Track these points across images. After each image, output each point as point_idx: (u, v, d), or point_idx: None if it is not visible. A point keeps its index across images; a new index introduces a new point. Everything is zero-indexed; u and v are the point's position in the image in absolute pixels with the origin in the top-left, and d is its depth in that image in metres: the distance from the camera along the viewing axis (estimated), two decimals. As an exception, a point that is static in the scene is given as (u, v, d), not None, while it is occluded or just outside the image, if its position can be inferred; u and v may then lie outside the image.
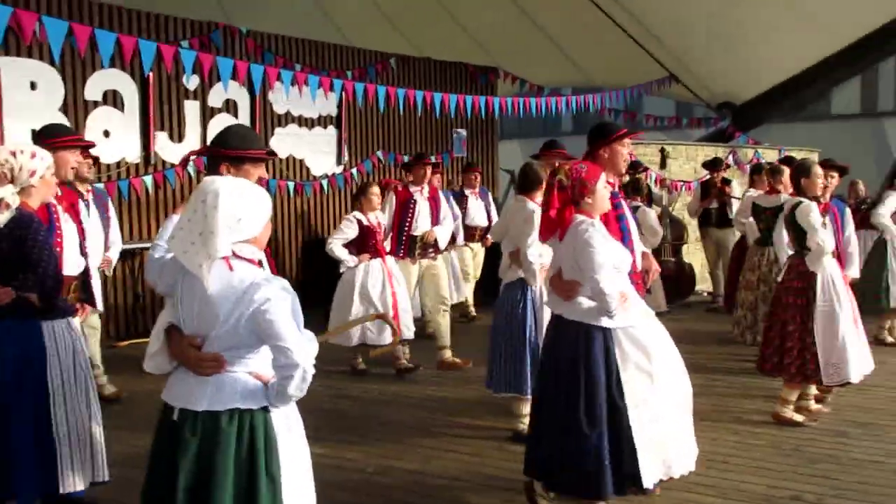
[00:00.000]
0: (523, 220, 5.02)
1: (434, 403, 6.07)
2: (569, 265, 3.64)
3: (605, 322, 3.56)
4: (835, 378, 5.39)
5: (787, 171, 6.49)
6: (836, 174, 6.24)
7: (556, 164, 3.77)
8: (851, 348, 5.32)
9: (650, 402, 3.60)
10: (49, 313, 3.31)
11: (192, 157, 6.02)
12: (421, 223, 7.13)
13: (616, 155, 4.05)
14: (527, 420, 5.12)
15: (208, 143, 8.78)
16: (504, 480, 4.46)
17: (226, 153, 2.91)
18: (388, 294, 6.58)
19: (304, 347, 2.46)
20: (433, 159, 8.23)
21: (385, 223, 6.94)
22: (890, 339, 7.83)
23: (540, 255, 4.99)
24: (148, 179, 8.44)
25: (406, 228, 7.09)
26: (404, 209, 7.08)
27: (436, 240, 7.18)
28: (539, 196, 5.11)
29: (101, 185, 7.43)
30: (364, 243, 6.64)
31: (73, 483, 3.31)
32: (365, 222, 6.64)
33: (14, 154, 3.25)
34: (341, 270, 6.68)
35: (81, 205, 5.81)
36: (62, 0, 7.77)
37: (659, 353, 3.73)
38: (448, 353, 7.09)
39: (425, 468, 4.70)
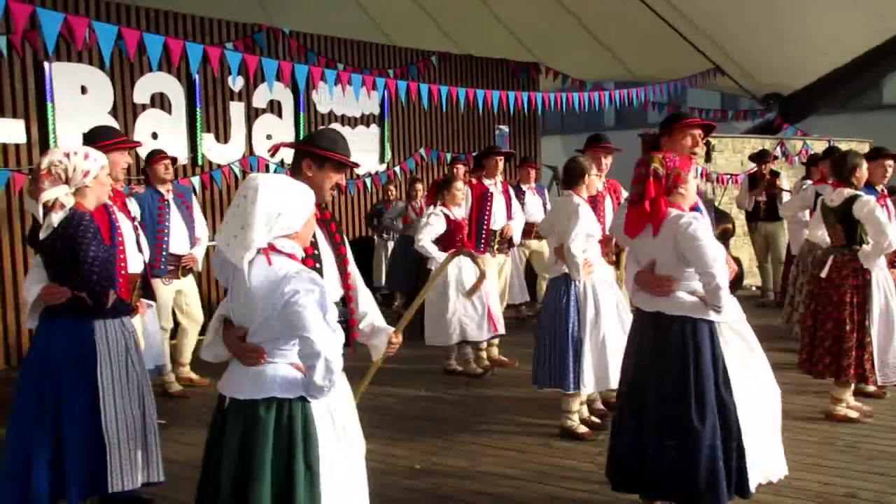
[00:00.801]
0: (567, 215, 4.99)
1: (480, 401, 6.07)
2: (664, 260, 3.50)
3: (712, 316, 3.45)
4: (891, 377, 5.30)
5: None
6: (892, 162, 6.05)
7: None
8: None
9: (753, 399, 3.51)
10: (100, 312, 3.35)
11: (272, 152, 6.12)
12: (498, 217, 7.03)
13: (676, 144, 3.91)
14: (575, 417, 5.11)
15: (253, 143, 8.99)
16: (552, 477, 4.46)
17: (312, 150, 2.94)
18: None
19: (328, 338, 2.48)
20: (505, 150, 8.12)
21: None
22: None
23: (584, 249, 4.97)
24: (195, 180, 8.54)
25: (485, 222, 6.96)
26: (481, 203, 6.93)
27: (511, 236, 7.08)
28: (583, 190, 5.10)
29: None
30: (451, 238, 6.44)
31: (123, 483, 3.34)
32: (451, 217, 6.50)
33: (68, 155, 3.29)
34: (430, 267, 6.38)
35: (171, 202, 5.99)
36: (111, 5, 7.93)
37: (758, 349, 3.67)
38: (495, 351, 7.08)
39: (472, 465, 4.71)
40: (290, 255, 2.58)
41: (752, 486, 3.47)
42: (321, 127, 3.32)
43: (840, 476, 4.33)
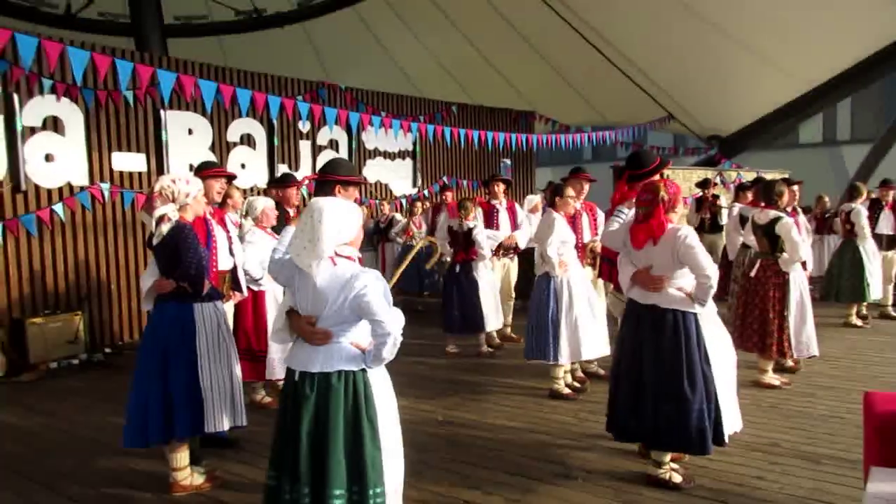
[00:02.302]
0: (547, 226, 4.99)
1: (489, 368, 6.04)
2: (661, 263, 3.39)
3: (697, 308, 3.38)
4: (804, 353, 5.24)
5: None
6: (797, 188, 6.02)
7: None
8: (812, 330, 5.18)
9: (722, 370, 3.45)
10: (198, 297, 3.38)
11: (308, 181, 6.14)
12: (503, 228, 6.88)
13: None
14: (561, 382, 5.07)
15: (316, 170, 9.02)
16: (543, 428, 4.43)
17: (340, 178, 3.00)
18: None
19: (394, 320, 2.50)
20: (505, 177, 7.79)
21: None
22: (858, 322, 7.49)
23: (561, 253, 4.95)
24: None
25: None
26: (489, 218, 6.80)
27: (516, 243, 6.93)
28: (561, 208, 5.06)
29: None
30: (458, 243, 6.43)
31: (215, 425, 3.38)
32: (454, 228, 6.46)
33: (174, 181, 3.34)
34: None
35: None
36: (212, 67, 7.99)
37: (724, 331, 3.61)
38: (508, 330, 7.02)
39: (481, 417, 4.68)
40: (349, 258, 2.59)
41: (726, 437, 3.42)
42: (335, 157, 3.36)
43: (766, 430, 4.25)
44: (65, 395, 5.57)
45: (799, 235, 5.17)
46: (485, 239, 6.33)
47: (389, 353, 2.50)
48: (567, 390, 5.06)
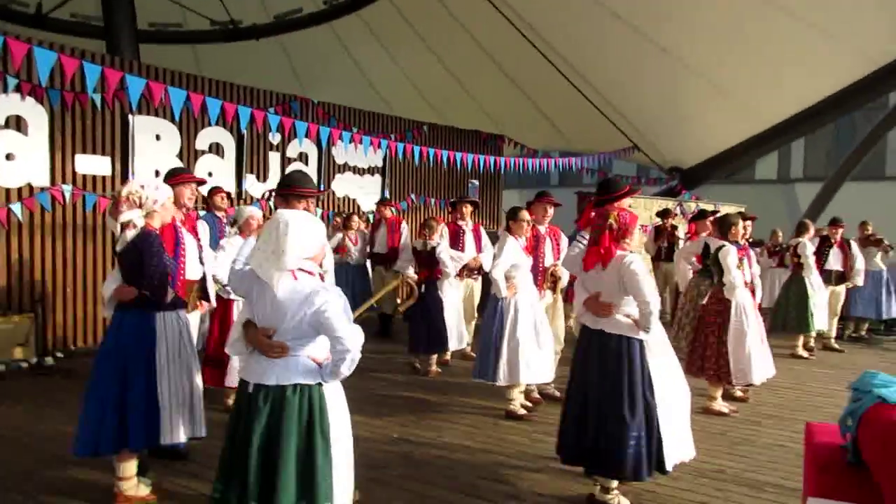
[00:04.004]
0: (497, 248, 5.02)
1: (447, 387, 6.00)
2: (608, 290, 3.43)
3: (642, 335, 3.41)
4: (741, 380, 5.34)
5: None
6: (751, 223, 6.19)
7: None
8: (755, 358, 5.27)
9: (668, 398, 3.46)
10: (160, 306, 3.30)
11: (271, 193, 6.10)
12: (468, 250, 6.85)
13: (621, 205, 3.82)
14: (516, 402, 5.07)
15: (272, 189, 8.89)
16: (497, 448, 4.41)
17: (302, 191, 2.98)
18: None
19: (353, 337, 2.48)
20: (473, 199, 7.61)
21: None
22: (804, 354, 7.68)
23: (513, 276, 4.96)
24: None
25: None
26: (455, 239, 6.79)
27: (481, 264, 6.91)
28: (516, 231, 5.08)
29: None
30: (423, 263, 6.41)
31: (172, 437, 3.29)
32: (417, 249, 6.48)
33: (143, 186, 3.28)
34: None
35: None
36: (183, 75, 7.89)
37: (673, 360, 3.63)
38: (468, 349, 7.01)
39: (437, 436, 4.65)
40: (310, 273, 2.56)
41: (670, 465, 3.43)
42: (293, 170, 3.28)
43: (712, 456, 4.31)
44: (11, 399, 5.35)
45: (735, 263, 5.27)
46: (448, 258, 6.32)
47: (347, 369, 2.48)
48: (522, 411, 5.06)
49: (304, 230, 2.52)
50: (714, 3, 9.47)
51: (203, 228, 5.66)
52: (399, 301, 6.54)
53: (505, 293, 4.93)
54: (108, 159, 7.28)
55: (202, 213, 7.58)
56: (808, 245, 7.59)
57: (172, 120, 7.63)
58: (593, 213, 3.73)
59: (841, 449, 2.44)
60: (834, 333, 8.19)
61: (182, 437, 3.35)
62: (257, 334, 2.53)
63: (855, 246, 8.29)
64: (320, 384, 2.55)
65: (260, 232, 2.70)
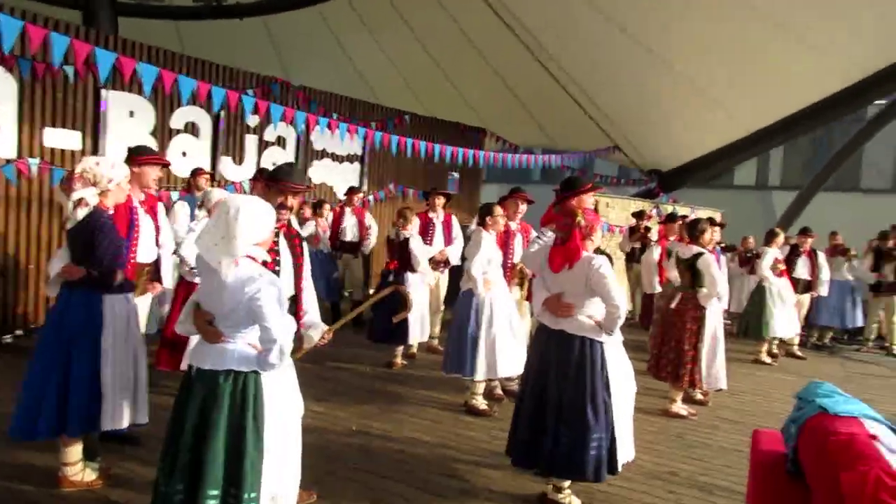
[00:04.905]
0: (474, 244, 5.00)
1: (411, 380, 5.99)
2: (573, 290, 3.39)
3: (603, 338, 3.40)
4: (713, 385, 5.41)
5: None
6: (720, 229, 6.26)
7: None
8: (722, 364, 5.33)
9: (621, 398, 3.48)
10: (107, 288, 3.22)
11: (254, 180, 6.01)
12: (436, 242, 6.85)
13: (581, 203, 3.82)
14: (479, 397, 5.07)
15: (261, 167, 8.80)
16: (456, 444, 4.42)
17: (292, 187, 2.92)
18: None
19: (283, 328, 2.47)
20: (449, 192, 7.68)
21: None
22: (767, 360, 7.78)
23: (485, 272, 4.96)
24: (213, 191, 8.31)
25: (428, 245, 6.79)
26: (425, 230, 6.77)
27: (447, 258, 6.91)
28: (490, 227, 5.08)
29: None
30: (396, 254, 6.34)
31: (114, 422, 3.23)
32: (391, 238, 6.43)
33: (98, 164, 3.20)
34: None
35: None
36: (160, 51, 7.74)
37: (626, 361, 3.64)
38: (435, 342, 6.99)
39: (396, 429, 4.64)
40: (254, 259, 2.52)
41: (620, 465, 3.44)
42: (285, 163, 3.16)
43: (668, 458, 4.36)
44: (-35, 375, 5.25)
45: (718, 272, 5.35)
46: (422, 252, 6.28)
47: (276, 359, 2.46)
48: (483, 405, 5.07)
49: (256, 216, 2.48)
50: (703, 9, 9.49)
51: (183, 209, 5.63)
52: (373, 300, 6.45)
53: (482, 289, 4.92)
54: (78, 134, 7.12)
55: (175, 194, 7.52)
56: (768, 254, 7.67)
57: (148, 97, 7.48)
58: (556, 211, 3.72)
59: (783, 457, 2.46)
60: (797, 341, 8.30)
61: (124, 423, 3.29)
62: (197, 317, 2.51)
63: (822, 256, 8.40)
64: (257, 372, 2.51)
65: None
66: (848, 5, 8.71)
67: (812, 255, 8.29)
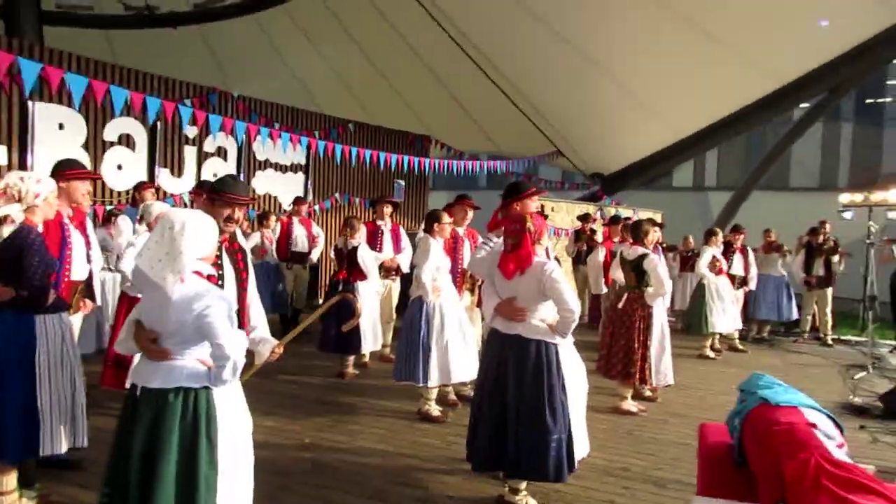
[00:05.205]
0: (422, 252, 5.00)
1: (363, 389, 5.92)
2: (526, 295, 3.40)
3: (558, 340, 3.43)
4: (662, 381, 5.54)
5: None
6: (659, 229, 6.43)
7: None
8: (669, 360, 5.49)
9: (574, 396, 3.49)
10: (39, 308, 3.08)
11: (196, 193, 5.86)
12: (385, 250, 6.79)
13: (526, 207, 3.89)
14: (432, 403, 5.06)
15: (202, 178, 8.58)
16: (412, 451, 4.39)
17: (234, 199, 2.85)
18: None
19: (235, 343, 2.41)
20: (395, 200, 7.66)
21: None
22: (711, 354, 8.03)
23: (434, 279, 4.97)
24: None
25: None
26: (373, 238, 6.71)
27: (398, 265, 6.88)
28: (437, 234, 5.09)
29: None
30: (344, 263, 6.30)
31: (52, 447, 3.08)
32: (339, 247, 6.37)
33: (22, 179, 3.05)
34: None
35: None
36: (91, 61, 7.48)
37: (578, 359, 3.66)
38: (387, 350, 6.94)
39: (350, 440, 4.57)
40: (199, 273, 2.45)
41: (576, 462, 3.49)
42: (226, 175, 3.08)
43: (620, 455, 4.44)
44: None
45: (665, 272, 5.50)
46: (371, 260, 6.24)
47: (230, 375, 2.40)
48: (437, 412, 5.06)
49: (200, 231, 2.42)
50: (637, 17, 9.79)
51: (126, 223, 5.45)
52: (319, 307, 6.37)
53: (431, 296, 4.92)
54: (3, 148, 6.81)
55: (108, 207, 7.24)
56: (706, 253, 7.95)
57: (77, 109, 7.21)
58: (501, 216, 3.75)
59: (729, 448, 2.54)
60: (737, 335, 8.61)
61: (63, 447, 3.14)
62: (140, 334, 2.42)
63: (751, 253, 8.78)
64: (208, 388, 2.45)
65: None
66: (773, 14, 9.14)
67: (744, 251, 8.63)
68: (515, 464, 3.40)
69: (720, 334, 8.25)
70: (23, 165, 6.85)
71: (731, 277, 8.34)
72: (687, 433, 4.95)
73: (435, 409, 5.07)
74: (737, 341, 8.60)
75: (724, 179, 19.95)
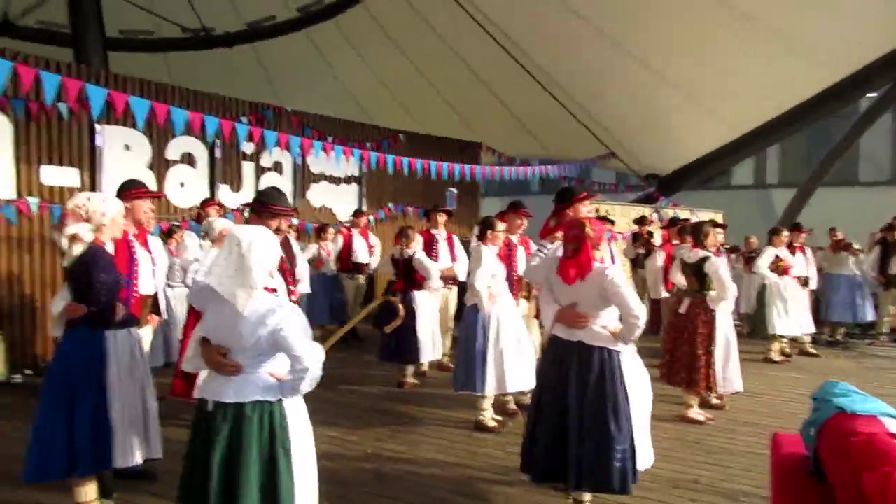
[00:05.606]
0: (475, 260, 5.00)
1: (422, 399, 5.95)
2: (587, 301, 3.36)
3: (620, 346, 3.38)
4: (728, 389, 5.38)
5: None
6: (722, 231, 6.28)
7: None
8: (736, 366, 5.31)
9: (638, 406, 3.44)
10: (109, 324, 3.21)
11: (245, 207, 6.06)
12: (441, 259, 6.82)
13: (578, 212, 3.86)
14: (486, 413, 5.04)
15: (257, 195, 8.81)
16: (471, 461, 4.38)
17: (279, 210, 2.94)
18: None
19: (312, 355, 2.46)
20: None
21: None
22: (777, 359, 7.74)
23: (489, 286, 4.95)
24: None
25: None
26: (429, 247, 6.75)
27: (455, 274, 6.88)
28: (490, 242, 5.08)
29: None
30: (401, 273, 6.33)
31: (125, 460, 3.20)
32: (396, 257, 6.39)
33: (90, 199, 3.20)
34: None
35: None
36: (151, 84, 7.80)
37: (642, 366, 3.61)
38: (445, 359, 6.95)
39: (410, 450, 4.60)
40: (267, 289, 2.53)
41: (638, 474, 3.40)
42: (269, 187, 3.21)
43: (687, 466, 4.32)
44: (-28, 419, 5.23)
45: (728, 275, 5.33)
46: (432, 266, 6.26)
47: (308, 387, 2.47)
48: (493, 423, 5.03)
49: (266, 246, 2.51)
50: (688, 15, 9.58)
51: (192, 239, 5.68)
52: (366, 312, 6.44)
53: (487, 303, 4.91)
54: (75, 170, 7.17)
55: (174, 223, 7.54)
56: (766, 253, 7.69)
57: (142, 130, 7.53)
58: (553, 222, 3.72)
59: (804, 459, 2.44)
60: (808, 339, 8.26)
61: (137, 459, 3.26)
62: (211, 352, 2.49)
63: (810, 252, 8.43)
64: (280, 400, 2.51)
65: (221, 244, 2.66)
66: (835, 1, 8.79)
67: (804, 250, 8.30)
68: (578, 475, 3.33)
69: (789, 338, 7.94)
70: (93, 186, 7.20)
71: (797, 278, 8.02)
72: (757, 442, 4.78)
73: (490, 419, 5.04)
74: (808, 345, 8.25)
75: (787, 176, 19.17)
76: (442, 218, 6.97)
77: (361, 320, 7.81)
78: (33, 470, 3.11)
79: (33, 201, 6.77)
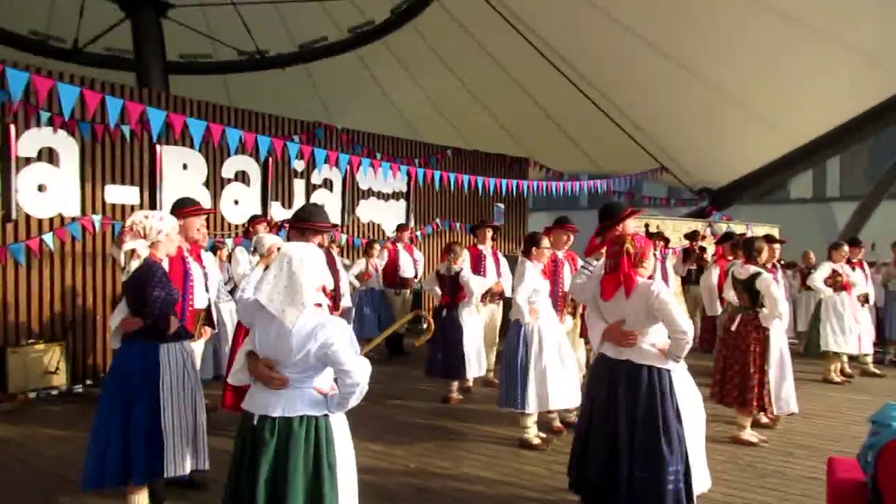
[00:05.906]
0: (518, 275, 4.97)
1: (467, 415, 5.93)
2: (634, 318, 3.31)
3: (670, 365, 3.31)
4: (784, 409, 5.19)
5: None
6: (779, 245, 6.08)
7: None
8: (791, 386, 5.12)
9: (692, 426, 3.36)
10: (163, 337, 3.34)
11: (282, 224, 6.22)
12: (489, 275, 6.83)
13: (627, 229, 3.79)
14: (530, 431, 4.98)
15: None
16: (515, 479, 4.34)
17: (319, 226, 3.03)
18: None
19: (362, 370, 2.49)
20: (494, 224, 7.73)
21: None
22: (837, 379, 7.42)
23: (533, 301, 4.91)
24: (264, 236, 8.56)
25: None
26: (477, 263, 6.77)
27: (503, 290, 6.89)
28: (534, 257, 5.05)
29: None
30: (449, 288, 6.36)
31: (176, 469, 3.30)
32: (442, 272, 6.40)
33: (146, 216, 3.35)
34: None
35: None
36: (209, 105, 8.10)
37: (693, 386, 3.53)
38: (491, 375, 6.92)
39: (454, 466, 4.58)
40: (316, 304, 2.58)
41: (694, 497, 3.30)
42: (308, 204, 3.32)
43: (740, 490, 4.17)
44: (39, 427, 5.47)
45: (781, 293, 5.17)
46: (476, 283, 6.28)
47: (356, 401, 2.50)
48: (537, 440, 4.97)
49: (316, 264, 2.56)
50: (741, 26, 9.40)
51: (243, 254, 5.86)
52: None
53: (528, 319, 4.89)
54: (136, 189, 7.47)
55: (229, 241, 7.78)
56: (822, 268, 7.43)
57: (198, 149, 7.81)
58: (598, 240, 3.67)
59: (862, 486, 2.33)
60: (870, 359, 7.89)
61: (186, 469, 3.36)
62: (259, 366, 2.55)
63: (868, 268, 8.08)
64: (326, 415, 2.55)
65: (266, 261, 2.73)
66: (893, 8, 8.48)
67: (862, 266, 7.95)
68: (629, 498, 3.24)
69: (848, 356, 7.60)
70: (153, 204, 7.49)
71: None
72: (814, 466, 4.58)
73: (535, 437, 4.99)
74: (870, 365, 7.88)
75: (848, 189, 18.47)
76: (489, 233, 6.97)
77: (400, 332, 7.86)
78: (90, 476, 3.24)
79: (96, 219, 7.09)
